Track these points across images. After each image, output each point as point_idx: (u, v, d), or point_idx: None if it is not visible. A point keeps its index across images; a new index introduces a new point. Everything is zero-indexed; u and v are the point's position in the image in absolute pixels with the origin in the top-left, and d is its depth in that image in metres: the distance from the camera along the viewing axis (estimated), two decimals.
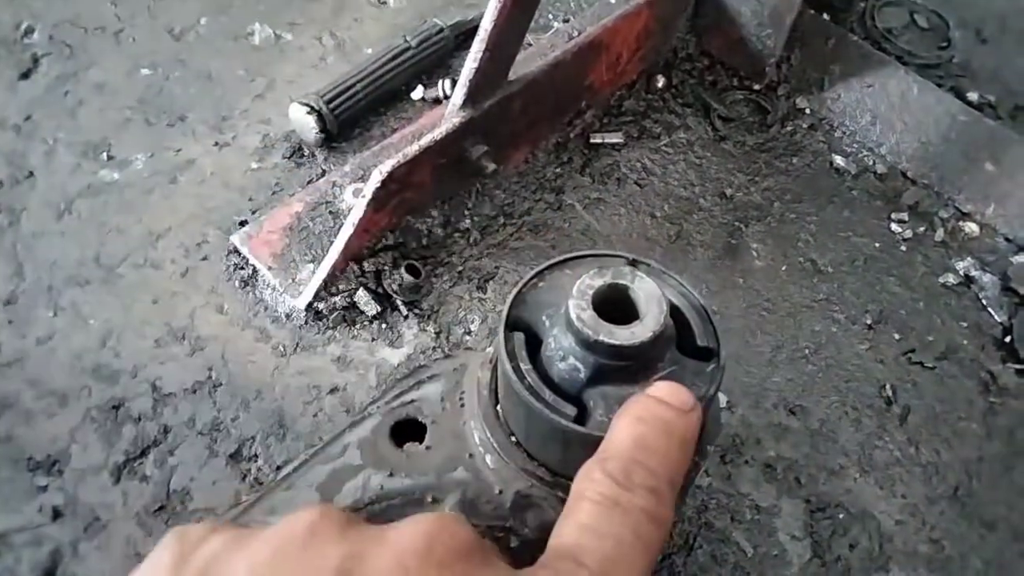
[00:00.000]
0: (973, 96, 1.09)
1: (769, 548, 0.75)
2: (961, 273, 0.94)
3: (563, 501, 0.60)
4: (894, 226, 0.98)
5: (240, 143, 1.00)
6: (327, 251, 0.87)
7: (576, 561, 0.41)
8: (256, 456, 0.77)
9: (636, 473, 0.44)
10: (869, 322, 0.89)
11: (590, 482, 0.43)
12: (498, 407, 0.64)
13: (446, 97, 1.05)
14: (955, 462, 0.81)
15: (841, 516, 0.77)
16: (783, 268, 0.93)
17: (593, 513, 0.42)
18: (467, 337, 0.86)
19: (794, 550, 0.75)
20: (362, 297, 0.86)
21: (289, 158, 0.98)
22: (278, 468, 0.76)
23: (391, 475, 0.63)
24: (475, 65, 0.82)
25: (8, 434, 0.77)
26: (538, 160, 1.00)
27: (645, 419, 0.47)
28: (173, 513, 0.73)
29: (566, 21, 1.14)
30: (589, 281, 0.59)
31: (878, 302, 0.91)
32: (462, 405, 0.66)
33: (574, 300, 0.57)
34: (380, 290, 0.87)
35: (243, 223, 0.91)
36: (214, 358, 0.82)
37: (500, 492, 0.62)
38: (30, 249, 0.89)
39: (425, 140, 0.83)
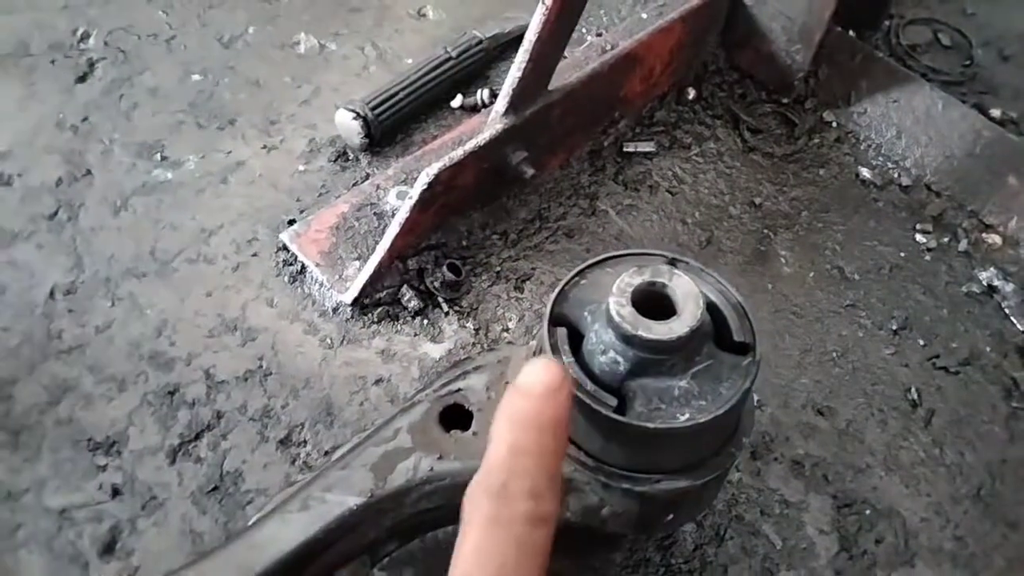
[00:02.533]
0: (996, 112, 1.12)
1: (798, 541, 0.77)
2: (984, 282, 0.96)
3: (605, 487, 0.64)
4: (918, 236, 1.00)
5: (287, 146, 1.04)
6: (372, 250, 0.91)
7: None
8: (305, 442, 0.80)
9: (513, 482, 0.45)
10: (894, 328, 0.92)
11: (472, 506, 0.45)
12: None
13: (484, 106, 1.09)
14: (978, 464, 0.83)
15: (867, 512, 0.79)
16: (811, 275, 0.96)
17: (477, 537, 0.43)
18: (504, 334, 0.89)
19: (822, 544, 0.77)
20: (405, 293, 0.89)
21: (334, 161, 1.02)
22: (326, 453, 0.79)
23: (440, 458, 0.66)
24: (519, 74, 0.86)
25: (69, 416, 0.81)
26: (572, 167, 1.04)
27: (515, 420, 0.47)
28: (226, 494, 0.77)
29: (599, 35, 1.18)
30: (628, 279, 0.62)
31: (903, 309, 0.94)
32: None
33: (614, 297, 0.61)
34: (422, 287, 0.90)
35: (291, 222, 0.95)
36: (264, 348, 0.86)
37: None
38: (89, 243, 0.93)
39: (470, 145, 0.87)
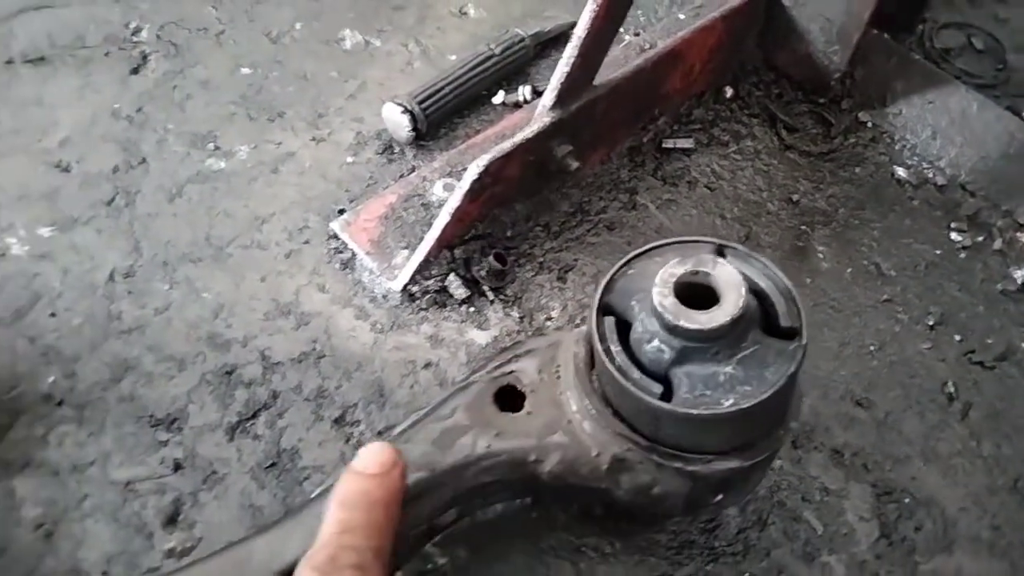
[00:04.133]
0: None
1: (838, 527, 0.79)
2: (1019, 280, 0.98)
3: (658, 466, 0.66)
4: (953, 235, 1.02)
5: (335, 139, 1.07)
6: (419, 239, 0.93)
7: None
8: (359, 421, 0.83)
9: (341, 557, 0.49)
10: (931, 323, 0.94)
11: None
12: (593, 379, 0.70)
13: (526, 102, 1.12)
14: (1015, 456, 0.85)
15: (907, 501, 0.81)
16: (848, 270, 0.98)
17: None
18: (548, 323, 0.92)
19: (862, 530, 0.79)
20: (453, 282, 0.92)
21: (381, 154, 1.05)
22: (379, 433, 0.81)
23: (497, 435, 0.68)
24: (567, 69, 0.89)
25: (131, 393, 0.83)
26: (613, 162, 1.06)
27: (346, 501, 0.52)
28: (284, 470, 0.79)
29: (636, 35, 1.20)
30: (672, 269, 0.65)
31: (939, 305, 0.95)
32: (558, 377, 0.73)
33: (657, 287, 0.63)
34: (469, 276, 0.93)
35: (341, 211, 0.98)
36: (318, 332, 0.88)
37: (597, 455, 0.68)
38: (146, 228, 0.96)
39: (518, 137, 0.90)
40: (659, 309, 0.62)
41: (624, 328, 0.67)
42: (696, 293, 0.63)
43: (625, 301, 0.68)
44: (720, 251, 0.68)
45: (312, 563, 0.50)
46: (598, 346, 0.65)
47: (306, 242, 0.96)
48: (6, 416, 0.82)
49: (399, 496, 0.54)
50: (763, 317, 0.66)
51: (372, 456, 0.55)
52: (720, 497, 0.69)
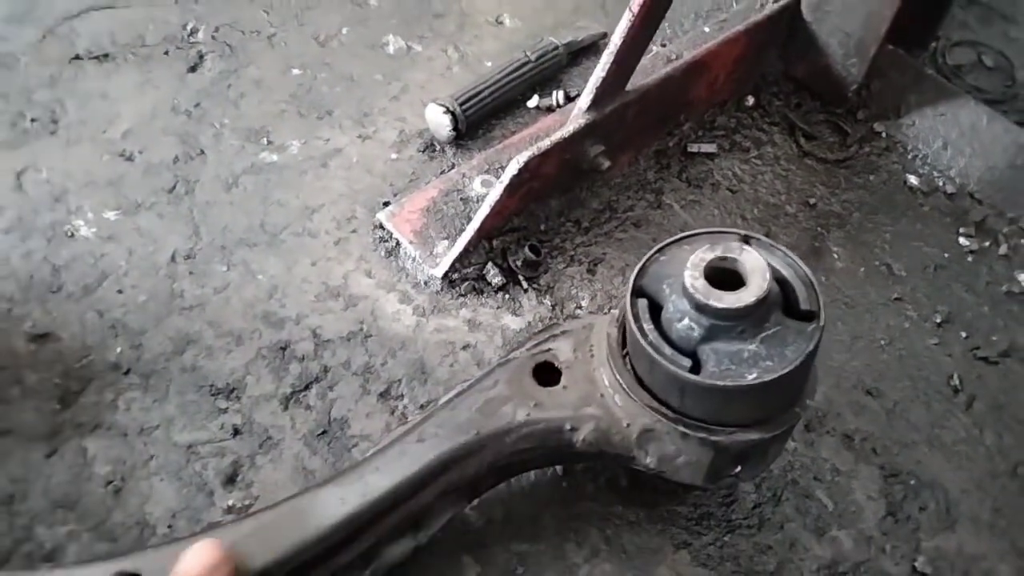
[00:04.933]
0: None
1: (847, 505, 0.85)
2: (1022, 283, 1.03)
3: (683, 436, 0.72)
4: (961, 239, 1.08)
5: (380, 137, 1.14)
6: (459, 230, 1.00)
7: None
8: (402, 396, 0.89)
9: None
10: (938, 321, 0.99)
11: None
12: (626, 356, 0.76)
13: (559, 106, 1.19)
14: (1015, 445, 0.90)
15: (912, 483, 0.86)
16: (861, 270, 1.04)
17: None
18: (578, 311, 0.98)
19: (870, 508, 0.85)
20: (490, 270, 0.98)
21: (423, 152, 1.12)
22: (422, 406, 0.88)
23: (536, 406, 0.75)
24: (603, 74, 0.95)
25: (193, 365, 0.90)
26: (640, 164, 1.12)
27: None
28: (334, 438, 0.86)
29: (663, 46, 1.27)
30: (702, 255, 0.71)
31: (947, 304, 1.01)
32: (592, 355, 0.79)
33: (689, 271, 0.70)
34: (505, 265, 0.99)
35: (386, 203, 1.04)
36: (364, 314, 0.95)
37: (628, 426, 0.74)
38: (205, 214, 1.03)
39: (555, 136, 0.96)
40: (690, 290, 0.68)
41: (656, 310, 0.73)
42: (724, 277, 0.70)
43: (657, 284, 0.74)
44: (746, 240, 0.74)
45: None
46: (632, 325, 0.71)
47: (353, 231, 1.03)
48: (77, 383, 0.89)
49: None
50: (784, 301, 0.72)
51: (197, 559, 0.57)
52: (739, 468, 0.75)
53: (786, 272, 0.73)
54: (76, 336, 0.92)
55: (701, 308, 0.69)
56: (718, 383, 0.67)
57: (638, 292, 0.74)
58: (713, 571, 0.80)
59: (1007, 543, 0.83)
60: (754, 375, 0.67)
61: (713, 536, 0.82)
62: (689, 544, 0.82)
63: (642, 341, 0.70)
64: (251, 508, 0.81)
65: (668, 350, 0.70)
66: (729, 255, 0.70)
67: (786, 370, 0.67)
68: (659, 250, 0.77)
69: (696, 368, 0.69)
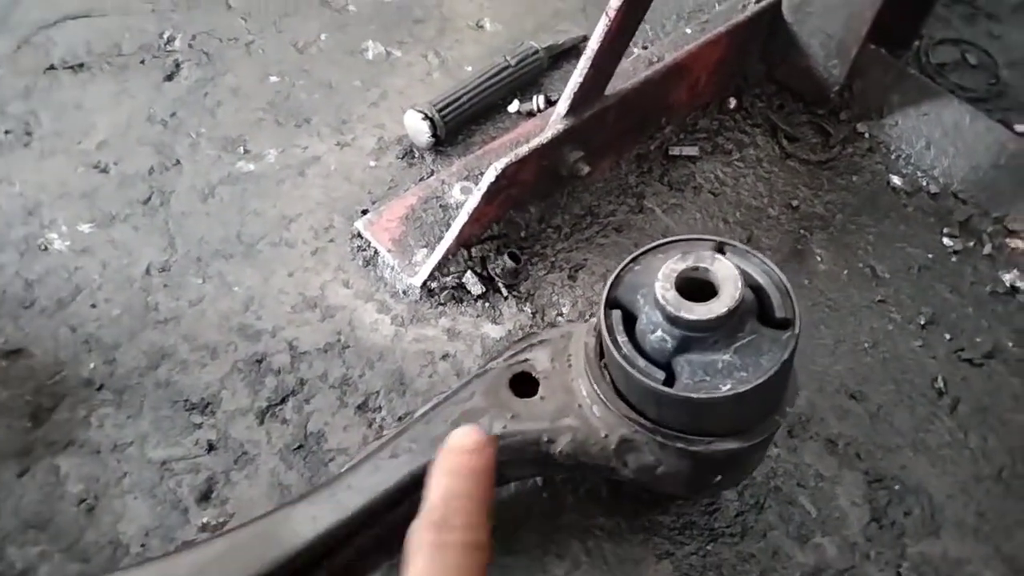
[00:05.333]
0: (1020, 127, 1.19)
1: (831, 511, 0.84)
2: (1007, 283, 1.03)
3: (661, 446, 0.71)
4: (945, 240, 1.07)
5: (359, 144, 1.12)
6: (438, 238, 0.99)
7: None
8: (380, 408, 0.88)
9: (451, 516, 0.55)
10: (922, 322, 0.99)
11: (417, 538, 0.53)
12: (603, 367, 0.75)
13: (539, 111, 1.18)
14: (1000, 448, 0.89)
15: (897, 488, 0.86)
16: (844, 272, 1.03)
17: (423, 561, 0.52)
18: (559, 318, 0.97)
19: (854, 514, 0.84)
20: (469, 279, 0.97)
21: (402, 159, 1.11)
22: (399, 419, 0.87)
23: (513, 418, 0.73)
24: (580, 79, 0.94)
25: (167, 379, 0.89)
26: (621, 168, 1.11)
27: (451, 471, 0.58)
28: (311, 452, 0.85)
29: (645, 48, 1.26)
30: (673, 265, 0.70)
31: (931, 305, 1.00)
32: (569, 365, 0.78)
33: (660, 282, 0.68)
34: (485, 273, 0.98)
35: (364, 212, 1.03)
36: (342, 324, 0.94)
37: (606, 436, 0.73)
38: (180, 225, 1.02)
39: (533, 143, 0.95)
40: (661, 302, 0.67)
41: (630, 320, 0.72)
42: (696, 287, 0.69)
43: (631, 295, 0.73)
44: (720, 248, 0.73)
45: (429, 522, 0.54)
46: (606, 337, 0.70)
47: (331, 240, 1.01)
48: (50, 399, 0.87)
49: (491, 471, 0.60)
50: (759, 309, 0.71)
51: (468, 437, 0.60)
52: (719, 478, 0.74)
53: (761, 279, 0.72)
54: (49, 352, 0.91)
55: (673, 320, 0.67)
56: (692, 395, 0.66)
57: (612, 303, 0.73)
58: None
59: (991, 548, 0.83)
60: (728, 386, 0.66)
61: (696, 545, 0.81)
62: (672, 554, 0.81)
63: (616, 354, 0.69)
64: (226, 525, 0.80)
65: (642, 362, 0.69)
66: (700, 264, 0.69)
67: (761, 380, 0.66)
68: (633, 259, 0.76)
69: (670, 380, 0.68)
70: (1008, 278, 1.03)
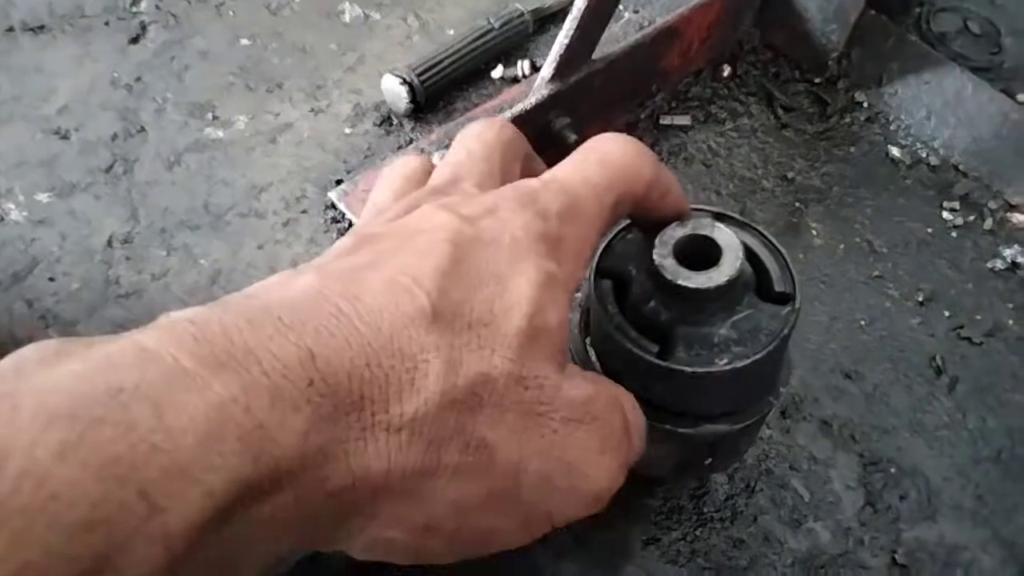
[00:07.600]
0: (1023, 97, 1.14)
1: (825, 495, 0.80)
2: (1008, 260, 0.99)
3: (651, 428, 0.67)
4: (945, 214, 1.03)
5: (334, 110, 1.07)
6: None
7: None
8: None
9: (463, 176, 0.53)
10: (920, 299, 0.95)
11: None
12: (587, 343, 0.71)
13: (524, 77, 1.13)
14: (999, 429, 0.86)
15: (892, 471, 0.82)
16: (840, 247, 0.99)
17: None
18: None
19: (848, 498, 0.80)
20: None
21: (379, 126, 1.06)
22: None
23: None
24: (566, 41, 0.89)
25: None
26: None
27: (463, 138, 0.57)
28: None
29: (636, 12, 1.21)
30: (671, 231, 0.65)
31: (929, 282, 0.97)
32: None
33: (657, 248, 0.64)
34: None
35: (339, 181, 0.98)
36: None
37: None
38: (144, 195, 0.97)
39: (516, 108, 0.90)
40: (659, 268, 0.63)
41: (621, 292, 0.68)
42: (694, 255, 0.64)
43: (623, 264, 0.69)
44: (718, 218, 0.69)
45: (434, 183, 0.52)
46: (596, 307, 0.66)
47: (303, 212, 0.96)
48: None
49: (514, 142, 0.59)
50: (758, 282, 0.67)
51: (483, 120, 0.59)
52: (709, 460, 0.70)
53: (760, 251, 0.68)
54: (3, 327, 0.86)
55: (670, 288, 0.63)
56: (686, 369, 0.62)
57: (603, 272, 0.69)
58: (683, 568, 0.76)
59: (989, 532, 0.80)
60: (725, 360, 0.62)
61: (683, 531, 0.78)
62: (658, 540, 0.77)
63: (608, 325, 0.65)
64: None
65: (634, 333, 0.65)
66: (700, 232, 0.65)
67: (759, 355, 0.62)
68: (624, 228, 0.72)
69: (664, 354, 0.64)
70: (1009, 254, 0.99)
